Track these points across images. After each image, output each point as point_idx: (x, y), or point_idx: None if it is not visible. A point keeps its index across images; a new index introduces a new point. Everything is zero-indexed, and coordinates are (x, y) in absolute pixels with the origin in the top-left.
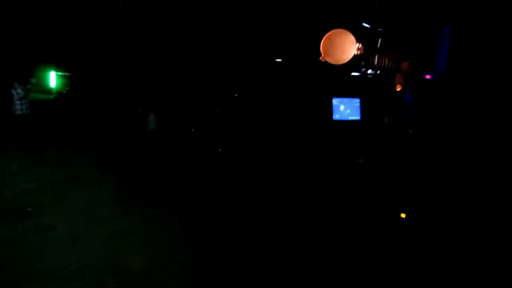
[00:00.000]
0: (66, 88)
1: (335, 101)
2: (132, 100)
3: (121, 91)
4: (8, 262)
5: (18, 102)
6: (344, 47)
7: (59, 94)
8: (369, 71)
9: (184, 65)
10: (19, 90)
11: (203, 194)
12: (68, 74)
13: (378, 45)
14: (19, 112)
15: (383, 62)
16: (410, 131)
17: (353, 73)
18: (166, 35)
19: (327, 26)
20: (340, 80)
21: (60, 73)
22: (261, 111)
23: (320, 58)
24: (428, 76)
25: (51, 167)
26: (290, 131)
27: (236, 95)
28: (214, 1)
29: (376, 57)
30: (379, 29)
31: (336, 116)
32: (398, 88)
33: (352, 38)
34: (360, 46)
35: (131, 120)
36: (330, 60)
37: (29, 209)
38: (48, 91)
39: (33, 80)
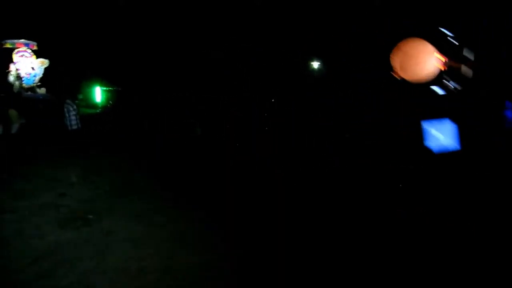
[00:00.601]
0: (110, 102)
1: (425, 125)
2: (175, 108)
3: (163, 101)
4: (79, 262)
5: (74, 118)
6: (422, 60)
7: (104, 108)
8: (453, 85)
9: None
10: (75, 106)
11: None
12: (112, 88)
13: (464, 53)
14: (74, 127)
15: (471, 73)
16: None
17: (433, 87)
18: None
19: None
20: (416, 94)
21: (104, 88)
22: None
23: (393, 73)
24: None
25: (105, 176)
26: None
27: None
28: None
29: (463, 67)
30: (463, 35)
31: (430, 144)
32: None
33: (430, 48)
34: (445, 60)
35: (176, 128)
36: (407, 76)
37: (90, 216)
38: (94, 105)
39: (80, 96)
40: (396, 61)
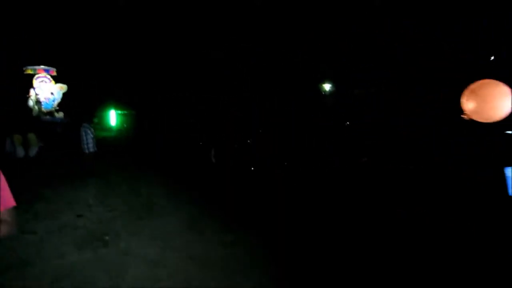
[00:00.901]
0: (125, 125)
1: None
2: (190, 132)
3: (177, 123)
4: (97, 282)
5: (91, 141)
6: (495, 101)
7: (119, 131)
8: None
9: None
10: (92, 129)
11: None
12: (126, 112)
13: None
14: (91, 149)
15: None
16: None
17: (509, 132)
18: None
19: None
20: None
21: (119, 112)
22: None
23: (463, 115)
24: None
25: (121, 198)
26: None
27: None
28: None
29: None
30: None
31: None
32: None
33: (505, 89)
34: None
35: (191, 152)
36: (478, 118)
37: (106, 237)
38: (109, 128)
39: (96, 119)
40: (468, 103)
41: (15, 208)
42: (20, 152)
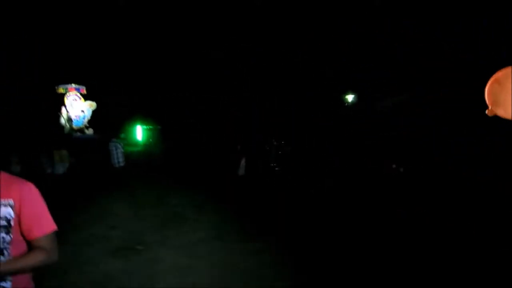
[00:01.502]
0: (151, 140)
1: None
2: (217, 143)
3: (203, 136)
4: (132, 286)
5: (121, 156)
6: None
7: (145, 145)
8: None
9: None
10: (121, 144)
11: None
12: (153, 127)
13: None
14: (121, 164)
15: None
16: None
17: None
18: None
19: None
20: None
21: (145, 127)
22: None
23: (487, 111)
24: None
25: (151, 209)
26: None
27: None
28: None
29: None
30: None
31: None
32: None
33: None
34: None
35: (217, 163)
36: (502, 113)
37: (138, 247)
38: (136, 143)
39: (123, 135)
40: (492, 95)
41: (55, 232)
42: (60, 168)
